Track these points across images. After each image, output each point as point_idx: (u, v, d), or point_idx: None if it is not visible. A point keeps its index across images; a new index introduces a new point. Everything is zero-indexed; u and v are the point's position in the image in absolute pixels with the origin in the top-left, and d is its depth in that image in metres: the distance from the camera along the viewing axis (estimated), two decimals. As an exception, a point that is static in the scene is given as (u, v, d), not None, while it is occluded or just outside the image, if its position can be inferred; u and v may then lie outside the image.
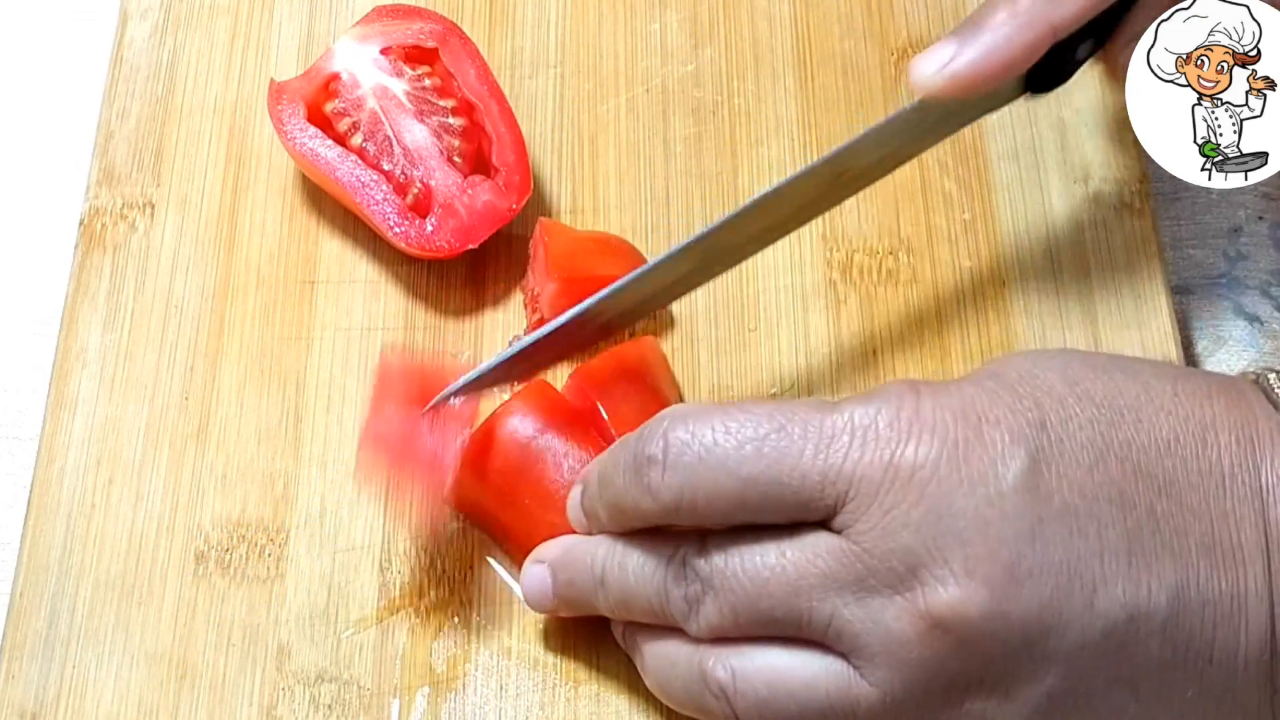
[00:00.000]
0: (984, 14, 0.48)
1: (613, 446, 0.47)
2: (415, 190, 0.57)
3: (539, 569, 0.49)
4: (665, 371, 0.56)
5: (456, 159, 0.58)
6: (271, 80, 0.59)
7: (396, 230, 0.56)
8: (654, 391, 0.54)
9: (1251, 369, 0.52)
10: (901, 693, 0.41)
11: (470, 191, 0.57)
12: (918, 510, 0.41)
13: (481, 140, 0.59)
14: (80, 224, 0.60)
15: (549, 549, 0.49)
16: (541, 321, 0.56)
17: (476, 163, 0.58)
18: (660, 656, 0.46)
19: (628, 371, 0.53)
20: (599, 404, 0.52)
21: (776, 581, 0.42)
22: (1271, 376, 0.44)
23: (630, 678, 0.51)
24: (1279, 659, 0.41)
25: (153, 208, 0.60)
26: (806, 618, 0.42)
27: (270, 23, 0.64)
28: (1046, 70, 0.50)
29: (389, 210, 0.57)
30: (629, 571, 0.46)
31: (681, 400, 0.56)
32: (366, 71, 0.59)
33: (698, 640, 0.44)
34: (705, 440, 0.43)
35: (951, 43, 0.48)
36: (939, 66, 0.48)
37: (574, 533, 0.49)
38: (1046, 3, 0.47)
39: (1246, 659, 0.41)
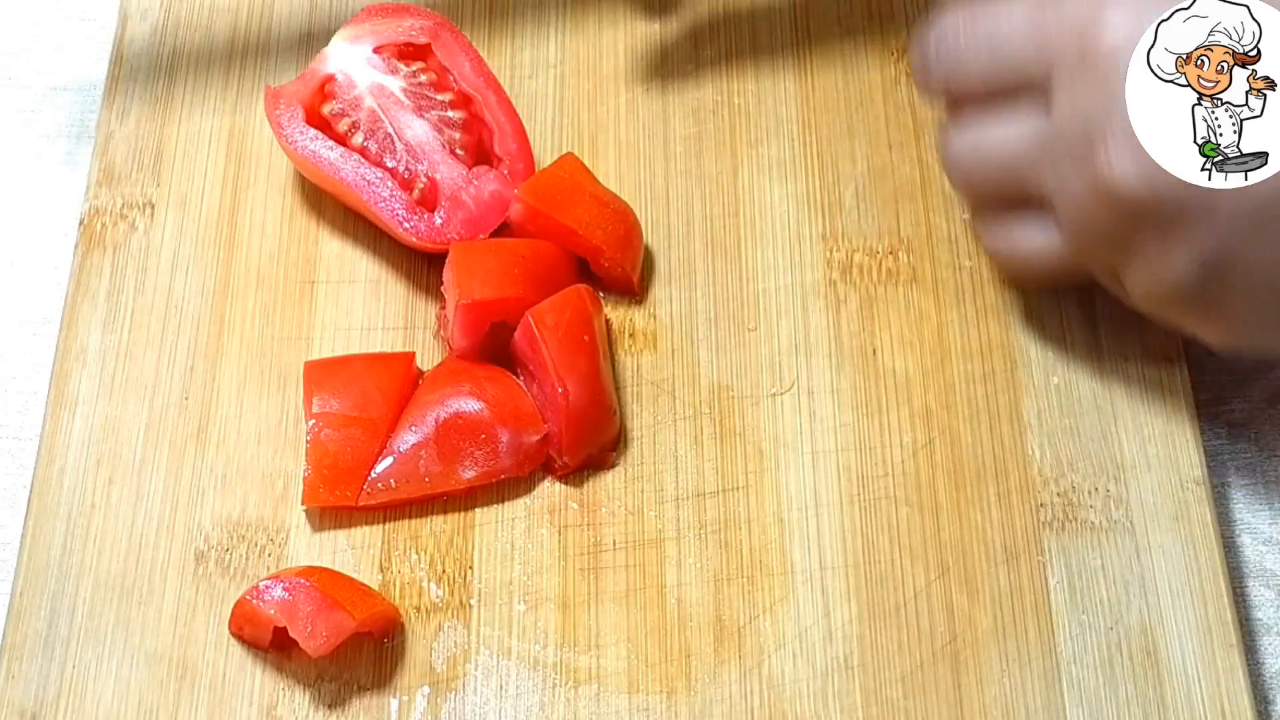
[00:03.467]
0: None
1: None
2: (420, 185, 0.57)
3: None
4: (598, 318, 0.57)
5: (459, 151, 0.58)
6: (267, 87, 0.59)
7: (407, 225, 0.56)
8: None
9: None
10: (1085, 238, 0.51)
11: (476, 182, 0.57)
12: (1100, 95, 0.47)
13: (482, 131, 0.59)
14: (80, 224, 0.60)
15: None
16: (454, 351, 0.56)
17: (478, 154, 0.59)
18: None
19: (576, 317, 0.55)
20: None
21: (999, 154, 0.52)
22: None
23: (631, 677, 0.51)
24: None
25: (153, 208, 0.60)
26: (1022, 185, 0.52)
27: (270, 23, 0.64)
28: None
29: (397, 207, 0.57)
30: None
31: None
32: (361, 71, 0.59)
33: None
34: (962, 27, 0.52)
35: None
36: None
37: None
38: None
39: None
